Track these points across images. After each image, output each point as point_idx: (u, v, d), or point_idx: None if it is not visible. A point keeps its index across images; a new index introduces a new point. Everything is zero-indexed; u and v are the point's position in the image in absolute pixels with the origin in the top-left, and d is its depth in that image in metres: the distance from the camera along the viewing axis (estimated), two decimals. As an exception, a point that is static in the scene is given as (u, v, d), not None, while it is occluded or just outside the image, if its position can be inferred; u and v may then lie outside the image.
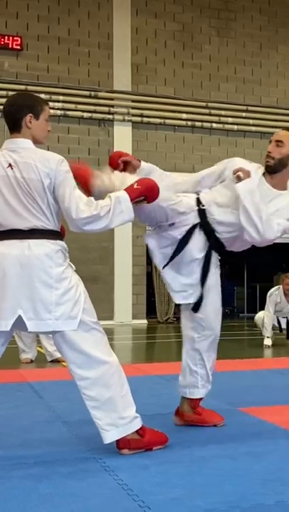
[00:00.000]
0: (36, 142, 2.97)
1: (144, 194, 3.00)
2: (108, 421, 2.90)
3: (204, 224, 3.42)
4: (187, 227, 3.40)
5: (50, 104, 12.48)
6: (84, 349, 2.88)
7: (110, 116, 13.47)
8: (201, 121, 14.05)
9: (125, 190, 2.97)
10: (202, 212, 3.44)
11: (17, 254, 2.83)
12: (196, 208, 3.44)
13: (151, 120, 13.74)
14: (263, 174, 3.50)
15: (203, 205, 3.44)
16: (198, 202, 3.46)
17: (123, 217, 2.91)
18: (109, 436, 2.92)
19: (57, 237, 2.92)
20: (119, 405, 2.92)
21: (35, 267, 2.83)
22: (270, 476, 2.63)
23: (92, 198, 2.90)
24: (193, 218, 3.41)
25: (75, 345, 2.88)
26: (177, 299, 3.50)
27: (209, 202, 3.46)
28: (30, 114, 2.95)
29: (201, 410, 3.54)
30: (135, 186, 2.99)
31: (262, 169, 3.52)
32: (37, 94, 3.25)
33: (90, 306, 2.95)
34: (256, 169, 3.50)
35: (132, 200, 2.94)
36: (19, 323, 2.84)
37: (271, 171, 3.46)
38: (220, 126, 14.21)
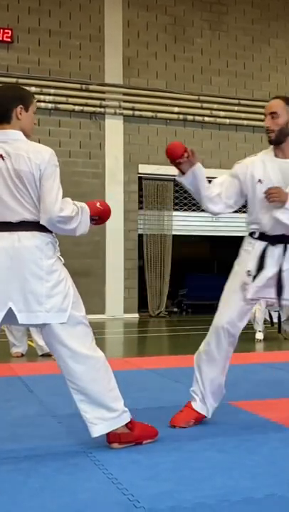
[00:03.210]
0: (24, 135, 2.95)
1: (100, 215, 3.07)
2: (96, 414, 2.90)
3: None
4: None
5: (41, 97, 12.56)
6: (72, 343, 2.87)
7: (102, 110, 13.41)
8: (193, 114, 14.01)
9: (87, 204, 3.00)
10: None
11: (7, 246, 2.81)
12: None
13: (143, 113, 13.68)
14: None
15: None
16: None
17: (84, 227, 2.95)
18: (97, 429, 2.91)
19: (47, 229, 2.90)
20: (107, 399, 2.91)
21: (25, 259, 2.81)
22: (260, 470, 2.64)
23: (69, 199, 2.90)
24: None
25: (64, 338, 2.87)
26: None
27: None
28: (21, 106, 2.94)
29: None
30: (97, 205, 3.06)
31: (267, 150, 3.52)
32: (27, 87, 3.23)
33: (78, 300, 2.95)
34: (262, 154, 3.50)
35: (90, 215, 2.98)
36: (9, 317, 2.83)
37: (275, 143, 3.44)
38: (212, 119, 14.18)
